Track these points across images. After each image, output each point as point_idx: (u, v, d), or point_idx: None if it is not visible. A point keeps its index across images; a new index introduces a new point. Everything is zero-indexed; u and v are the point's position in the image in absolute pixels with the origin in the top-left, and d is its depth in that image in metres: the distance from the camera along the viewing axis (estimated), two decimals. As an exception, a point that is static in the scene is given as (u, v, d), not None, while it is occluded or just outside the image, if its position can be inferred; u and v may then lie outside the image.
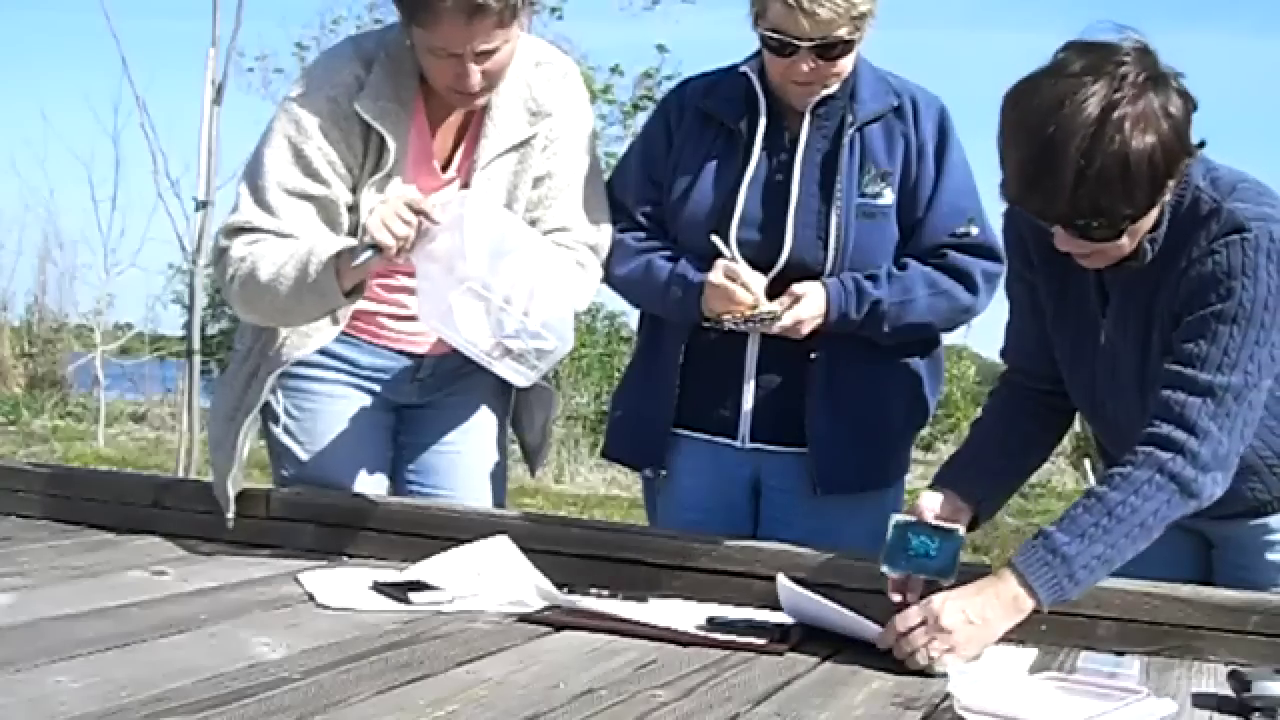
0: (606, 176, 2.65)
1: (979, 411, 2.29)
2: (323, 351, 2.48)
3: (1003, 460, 2.16)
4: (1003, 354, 2.29)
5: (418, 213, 2.17)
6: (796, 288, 2.38)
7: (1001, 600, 1.85)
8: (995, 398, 2.26)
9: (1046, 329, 2.16)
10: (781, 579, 2.04)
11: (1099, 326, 2.06)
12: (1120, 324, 2.03)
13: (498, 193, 2.44)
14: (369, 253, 2.18)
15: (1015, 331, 2.24)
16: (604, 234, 2.53)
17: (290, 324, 2.40)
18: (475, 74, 2.31)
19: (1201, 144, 1.90)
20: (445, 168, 2.46)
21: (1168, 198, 1.90)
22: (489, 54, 2.30)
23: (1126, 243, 1.91)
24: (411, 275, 2.37)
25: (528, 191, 2.47)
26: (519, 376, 2.20)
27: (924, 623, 1.84)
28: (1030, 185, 1.85)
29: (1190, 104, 1.86)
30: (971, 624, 1.84)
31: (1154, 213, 1.90)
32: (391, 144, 2.36)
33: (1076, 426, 2.30)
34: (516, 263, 2.18)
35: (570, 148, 2.52)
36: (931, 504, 2.05)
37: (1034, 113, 1.82)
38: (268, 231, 2.32)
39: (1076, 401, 2.20)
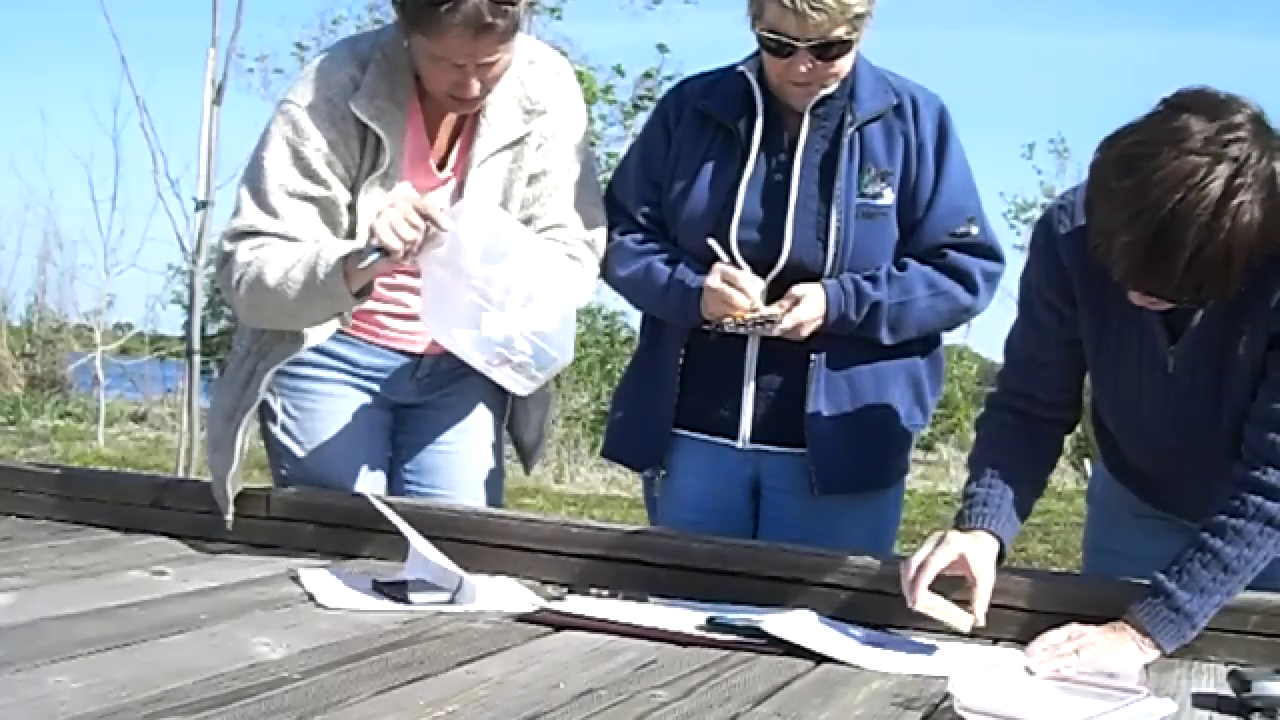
0: (606, 175, 2.65)
1: (979, 437, 2.22)
2: (321, 350, 2.49)
3: (1018, 501, 2.11)
4: (1003, 376, 2.25)
5: (425, 218, 2.18)
6: (796, 290, 2.38)
7: (1134, 644, 1.91)
8: (1002, 428, 2.19)
9: (1069, 358, 2.14)
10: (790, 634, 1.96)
11: (1163, 356, 2.03)
12: (1195, 352, 2.01)
13: (493, 191, 2.45)
14: (375, 255, 2.20)
15: (1030, 358, 2.19)
16: (599, 230, 2.54)
17: (296, 326, 2.40)
18: (475, 85, 2.32)
19: None
20: (441, 167, 2.47)
21: None
22: (489, 65, 2.31)
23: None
24: (411, 274, 2.38)
25: (523, 189, 2.48)
26: (517, 385, 2.24)
27: (1069, 640, 1.89)
28: (1144, 268, 1.81)
29: None
30: (1100, 644, 1.89)
31: None
32: (387, 143, 2.36)
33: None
34: (517, 273, 2.20)
35: (564, 145, 2.52)
36: (962, 549, 2.01)
37: (1153, 187, 1.77)
38: (272, 234, 2.33)
39: (1119, 428, 2.19)
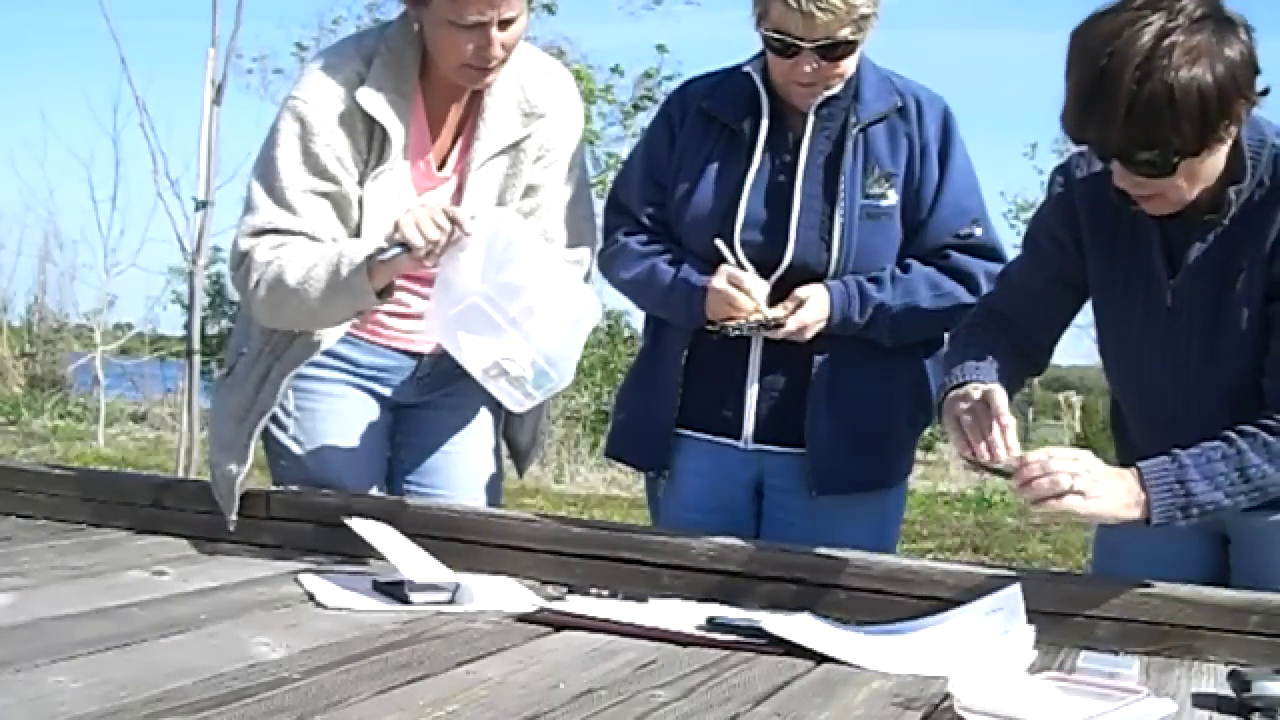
0: (605, 175, 2.66)
1: (954, 335, 2.26)
2: (323, 350, 2.48)
3: (1002, 376, 2.12)
4: (989, 298, 2.29)
5: (452, 221, 2.19)
6: (800, 292, 2.38)
7: (1127, 492, 1.91)
8: (979, 326, 2.23)
9: (1058, 295, 2.19)
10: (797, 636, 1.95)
11: (1163, 290, 2.05)
12: (1194, 285, 2.03)
13: (489, 194, 2.45)
14: (396, 250, 2.21)
15: (1022, 286, 2.23)
16: (586, 250, 2.57)
17: (315, 327, 2.40)
18: (498, 44, 2.32)
19: (1265, 91, 1.90)
20: (441, 166, 2.47)
21: (1228, 140, 1.91)
22: (510, 22, 2.32)
23: (1184, 184, 1.92)
24: (416, 278, 2.38)
25: (518, 197, 2.48)
26: (512, 401, 2.24)
27: (1075, 460, 1.90)
28: (1086, 112, 1.88)
29: (1251, 51, 1.87)
30: (1102, 483, 1.90)
31: (1213, 157, 1.91)
32: (393, 135, 2.36)
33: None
34: (530, 288, 2.20)
35: (562, 159, 2.53)
36: (989, 388, 2.02)
37: (1092, 41, 1.85)
38: (290, 231, 2.33)
39: (1114, 368, 2.21)
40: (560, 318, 2.23)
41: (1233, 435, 1.93)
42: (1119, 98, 1.82)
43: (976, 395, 2.01)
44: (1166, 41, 1.82)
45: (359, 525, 2.28)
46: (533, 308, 2.19)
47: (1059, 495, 1.87)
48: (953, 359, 2.17)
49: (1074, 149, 2.17)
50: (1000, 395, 2.00)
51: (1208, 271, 2.01)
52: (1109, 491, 1.91)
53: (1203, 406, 2.06)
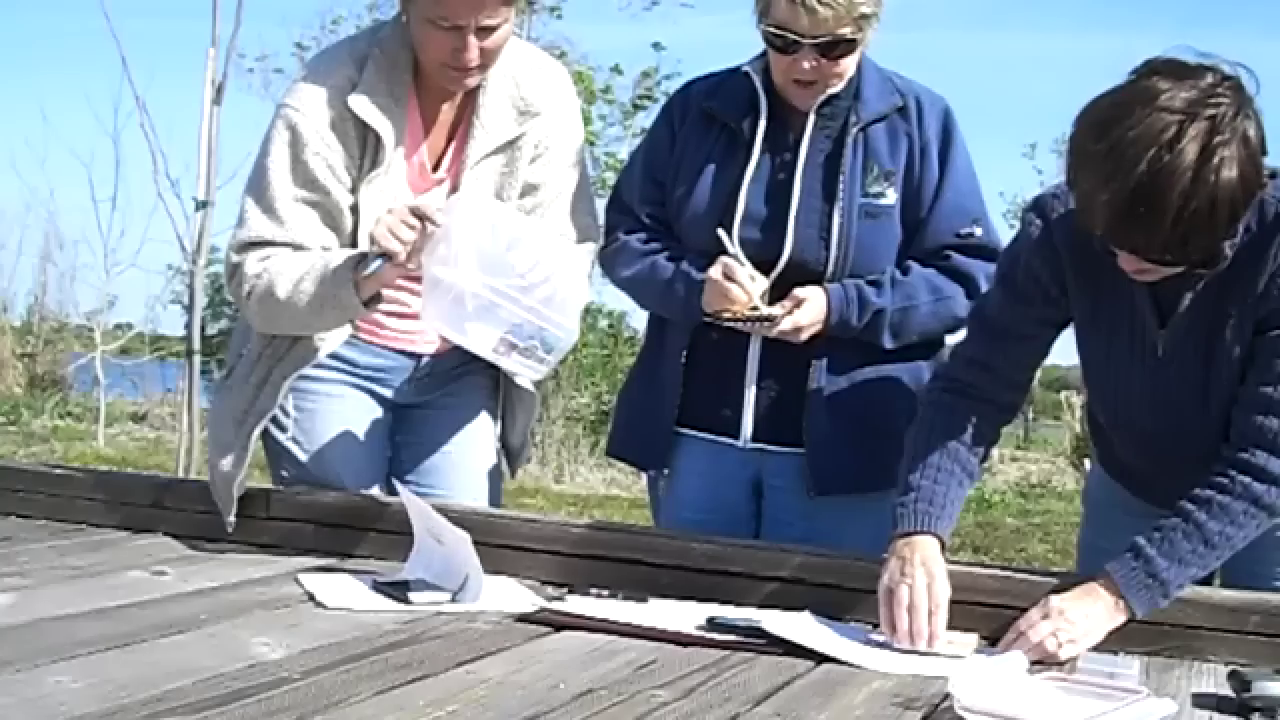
0: (605, 175, 2.66)
1: (925, 416, 2.17)
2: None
3: (957, 495, 2.11)
4: (963, 346, 2.23)
5: (420, 217, 2.18)
6: (799, 292, 2.38)
7: (1105, 607, 1.96)
8: (946, 412, 2.16)
9: (1041, 336, 2.16)
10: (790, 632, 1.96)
11: (1152, 337, 2.04)
12: (1184, 333, 2.02)
13: (486, 194, 2.45)
14: (378, 262, 2.21)
15: (1005, 329, 2.17)
16: (592, 244, 2.56)
17: (310, 333, 2.41)
18: (474, 49, 2.32)
19: (1273, 174, 1.90)
20: (436, 168, 2.47)
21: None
22: (490, 30, 2.32)
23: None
24: (412, 278, 2.38)
25: (516, 196, 2.48)
26: (529, 371, 2.25)
27: (1045, 618, 1.94)
28: (1127, 224, 1.83)
29: (1263, 136, 1.84)
30: (1086, 619, 1.94)
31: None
32: (386, 140, 2.36)
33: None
34: (517, 258, 2.20)
35: (560, 156, 2.53)
36: (938, 571, 2.00)
37: (1128, 145, 1.79)
38: (278, 243, 2.34)
39: (1103, 410, 2.22)
40: (553, 276, 2.23)
41: (1190, 508, 1.96)
42: (1166, 214, 1.78)
43: (920, 582, 1.98)
44: (1215, 160, 1.77)
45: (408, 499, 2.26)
46: (524, 277, 2.20)
47: (1055, 655, 1.91)
48: (918, 447, 2.13)
49: (1048, 190, 2.16)
50: (942, 588, 1.98)
51: (1198, 321, 2.01)
52: (1089, 620, 1.95)
53: (1193, 446, 2.07)
